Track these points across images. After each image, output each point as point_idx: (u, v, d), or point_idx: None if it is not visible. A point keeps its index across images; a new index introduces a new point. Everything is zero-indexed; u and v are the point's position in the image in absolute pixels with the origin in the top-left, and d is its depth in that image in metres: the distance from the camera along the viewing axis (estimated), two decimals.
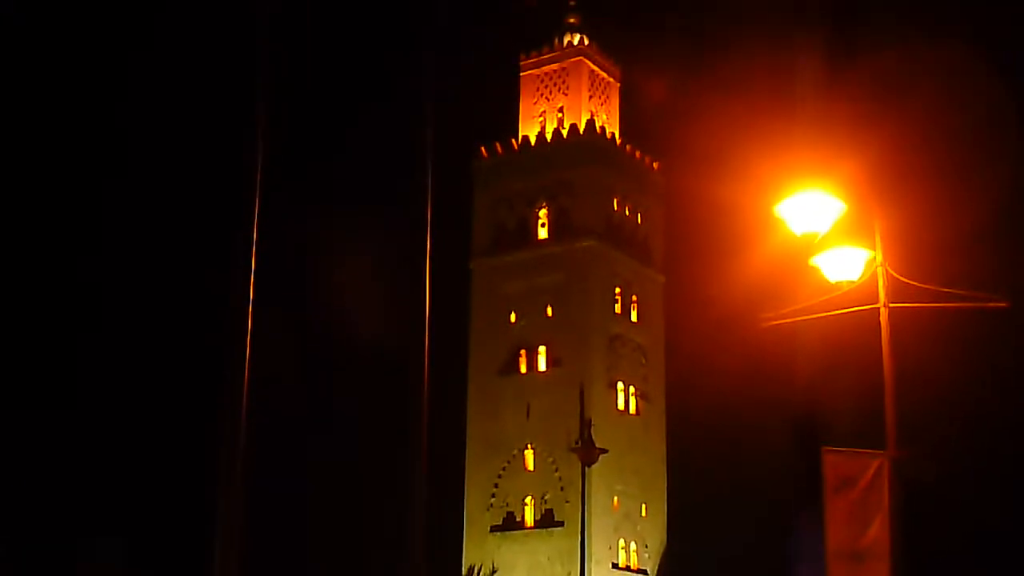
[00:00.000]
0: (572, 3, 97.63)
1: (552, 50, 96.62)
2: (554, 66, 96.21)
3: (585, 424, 50.56)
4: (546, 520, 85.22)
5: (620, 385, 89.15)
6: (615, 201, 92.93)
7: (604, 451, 47.49)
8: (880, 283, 19.31)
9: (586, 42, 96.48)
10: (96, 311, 78.63)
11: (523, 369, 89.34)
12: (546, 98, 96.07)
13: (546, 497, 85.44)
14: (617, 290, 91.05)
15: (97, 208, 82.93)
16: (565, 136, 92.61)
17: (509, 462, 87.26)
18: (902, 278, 19.34)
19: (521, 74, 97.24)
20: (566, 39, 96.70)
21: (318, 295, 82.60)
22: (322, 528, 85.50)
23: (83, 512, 73.09)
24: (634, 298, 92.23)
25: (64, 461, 72.04)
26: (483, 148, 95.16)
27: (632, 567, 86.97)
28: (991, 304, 19.58)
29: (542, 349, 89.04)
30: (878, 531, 18.28)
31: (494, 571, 70.61)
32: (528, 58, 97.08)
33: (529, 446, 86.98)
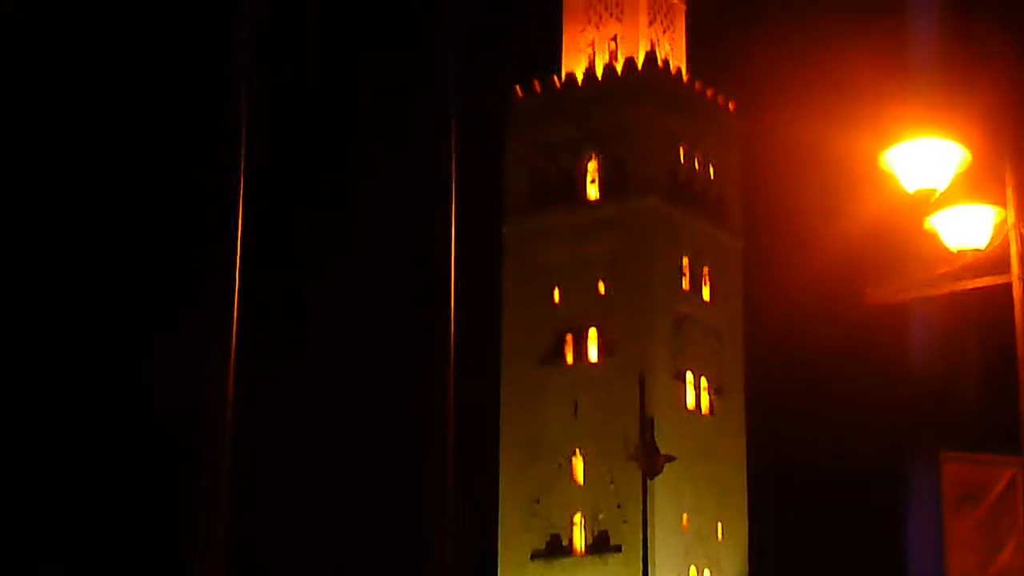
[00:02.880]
0: None
1: None
2: None
3: (646, 425, 50.54)
4: (600, 544, 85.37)
5: (689, 377, 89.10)
6: (681, 151, 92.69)
7: (670, 458, 47.40)
8: (1013, 250, 19.17)
9: None
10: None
11: (569, 358, 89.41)
12: (595, 25, 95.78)
13: (599, 516, 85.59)
14: (685, 260, 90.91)
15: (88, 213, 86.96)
16: (619, 72, 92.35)
17: (554, 472, 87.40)
18: None
19: None
20: None
21: (324, 265, 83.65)
22: (332, 549, 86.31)
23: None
24: (706, 270, 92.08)
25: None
26: (518, 87, 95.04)
27: None
28: None
29: (592, 333, 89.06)
30: (1012, 556, 18.18)
31: None
32: None
33: (578, 452, 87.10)
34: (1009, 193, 19.33)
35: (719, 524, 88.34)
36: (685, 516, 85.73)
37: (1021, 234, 19.23)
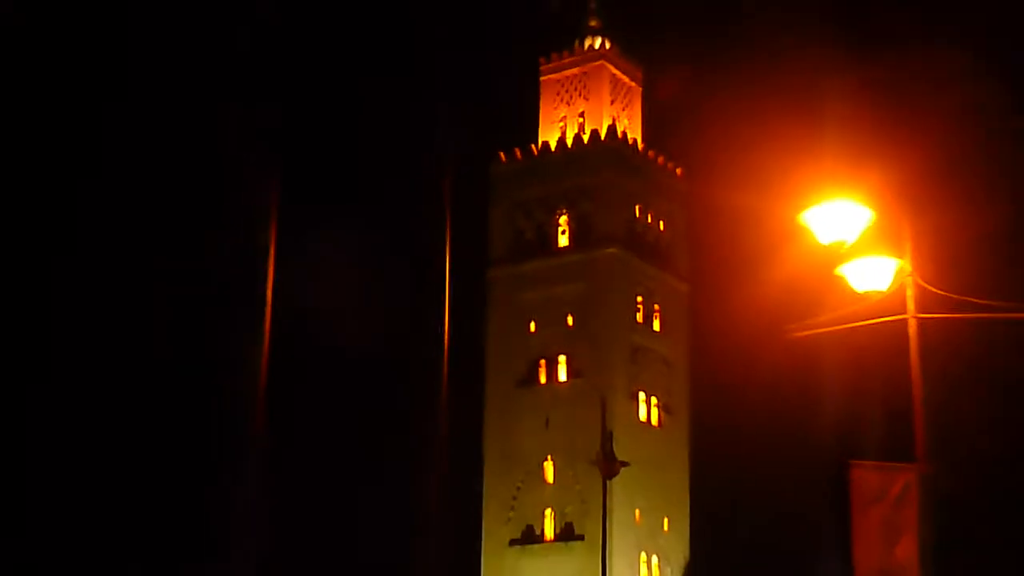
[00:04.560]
0: (593, 6, 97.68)
1: (573, 54, 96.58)
2: (575, 70, 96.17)
3: (606, 436, 50.49)
4: (566, 534, 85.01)
5: (642, 396, 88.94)
6: (637, 208, 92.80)
7: (625, 464, 47.45)
8: (909, 293, 19.21)
9: (607, 46, 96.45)
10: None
11: (542, 380, 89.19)
12: (567, 103, 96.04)
13: (566, 510, 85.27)
14: (639, 299, 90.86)
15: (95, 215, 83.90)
16: (586, 141, 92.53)
17: (528, 474, 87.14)
18: (931, 288, 19.25)
19: (541, 79, 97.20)
20: (587, 43, 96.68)
21: (329, 305, 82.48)
22: (337, 536, 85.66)
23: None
24: (656, 308, 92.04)
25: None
26: (502, 154, 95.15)
27: None
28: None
29: (562, 360, 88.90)
30: (907, 548, 18.14)
31: None
32: (548, 63, 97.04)
33: (548, 458, 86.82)
34: (907, 246, 19.39)
35: (666, 519, 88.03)
36: (637, 512, 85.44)
37: (916, 281, 19.28)
